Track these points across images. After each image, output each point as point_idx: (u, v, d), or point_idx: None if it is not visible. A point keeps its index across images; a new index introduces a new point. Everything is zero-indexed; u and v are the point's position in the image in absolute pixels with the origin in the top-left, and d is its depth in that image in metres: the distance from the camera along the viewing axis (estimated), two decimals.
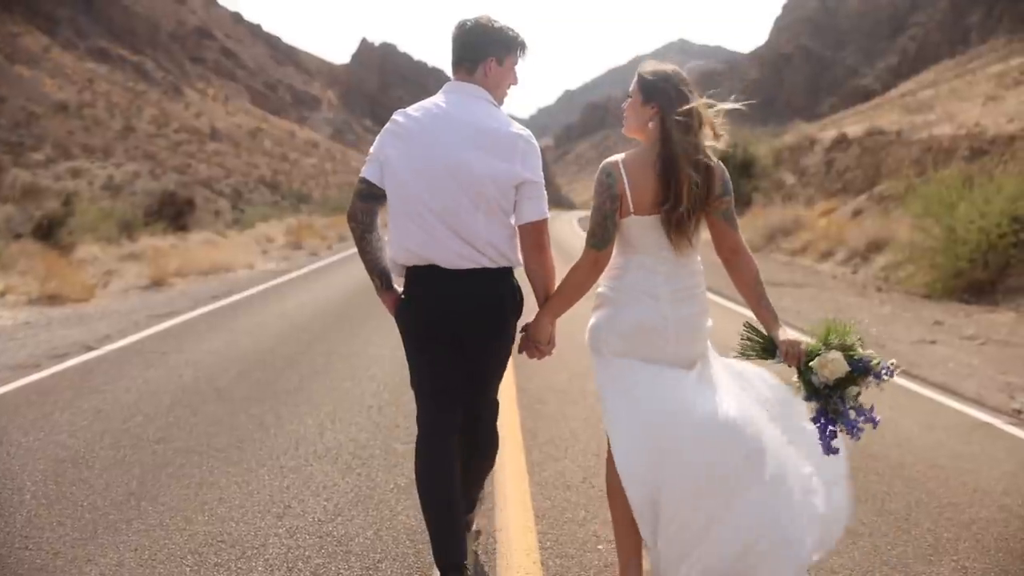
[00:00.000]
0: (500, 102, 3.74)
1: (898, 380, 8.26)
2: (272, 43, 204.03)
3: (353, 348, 9.39)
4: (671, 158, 3.37)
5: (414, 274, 3.65)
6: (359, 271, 17.65)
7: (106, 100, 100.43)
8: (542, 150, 5.00)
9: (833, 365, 3.27)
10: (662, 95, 3.42)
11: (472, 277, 3.57)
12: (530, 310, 3.74)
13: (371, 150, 3.69)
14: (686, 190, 3.36)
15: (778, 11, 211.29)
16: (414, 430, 5.46)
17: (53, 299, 13.18)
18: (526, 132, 3.62)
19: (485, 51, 3.64)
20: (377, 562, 4.09)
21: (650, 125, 3.45)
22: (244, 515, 4.64)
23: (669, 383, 3.44)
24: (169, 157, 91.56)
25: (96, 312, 12.38)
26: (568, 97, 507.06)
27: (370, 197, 3.66)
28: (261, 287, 15.70)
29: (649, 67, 3.51)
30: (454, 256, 3.54)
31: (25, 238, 19.58)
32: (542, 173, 3.64)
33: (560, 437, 6.19)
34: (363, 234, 3.71)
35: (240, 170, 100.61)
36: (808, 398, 3.38)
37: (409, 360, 3.79)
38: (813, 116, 62.35)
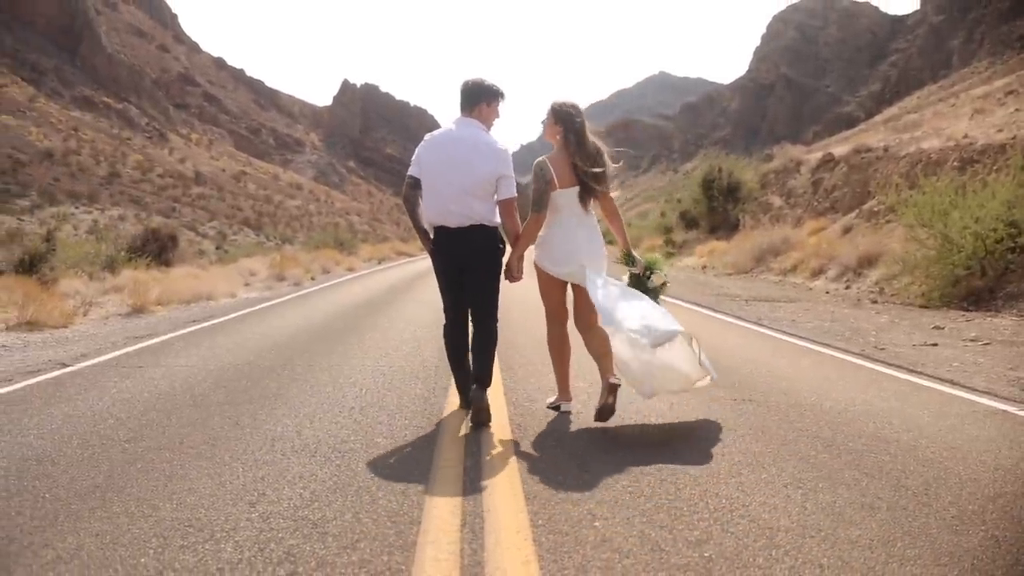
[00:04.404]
0: (489, 129, 6.04)
1: (902, 375, 7.99)
2: (255, 87, 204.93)
3: (334, 360, 9.03)
4: (578, 158, 5.85)
5: (438, 231, 6.00)
6: (341, 298, 17.42)
7: (91, 147, 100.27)
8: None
9: (658, 278, 6.27)
10: (564, 118, 5.92)
11: (472, 231, 5.88)
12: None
13: (412, 159, 6.02)
14: (585, 175, 5.87)
15: (757, 41, 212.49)
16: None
17: (32, 325, 12.80)
18: (504, 146, 5.95)
19: (479, 98, 6.00)
20: (355, 541, 3.77)
21: (558, 137, 5.95)
22: (215, 503, 4.32)
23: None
24: (154, 201, 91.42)
25: (74, 335, 12.03)
26: None
27: (415, 186, 6.00)
28: (242, 312, 15.33)
29: (558, 101, 5.99)
30: (460, 219, 5.85)
31: (7, 275, 19.15)
32: (513, 171, 5.93)
33: (552, 431, 5.89)
34: (412, 209, 6.06)
35: (224, 213, 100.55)
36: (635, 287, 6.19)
37: (439, 284, 6.24)
38: (797, 144, 62.41)
